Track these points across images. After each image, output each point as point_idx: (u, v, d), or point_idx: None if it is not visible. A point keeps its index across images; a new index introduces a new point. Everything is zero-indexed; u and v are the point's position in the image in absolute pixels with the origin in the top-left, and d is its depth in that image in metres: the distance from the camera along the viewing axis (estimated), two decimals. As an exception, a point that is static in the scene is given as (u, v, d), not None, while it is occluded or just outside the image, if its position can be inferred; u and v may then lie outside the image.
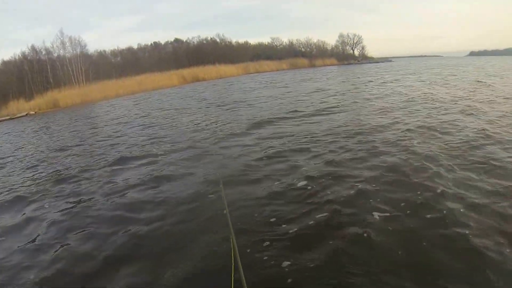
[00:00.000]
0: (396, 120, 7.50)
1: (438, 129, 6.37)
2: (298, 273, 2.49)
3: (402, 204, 3.40)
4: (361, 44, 68.67)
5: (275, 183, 4.28)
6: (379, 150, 5.26)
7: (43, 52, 35.78)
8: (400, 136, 6.00)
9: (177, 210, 3.86)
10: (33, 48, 35.55)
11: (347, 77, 24.85)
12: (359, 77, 23.30)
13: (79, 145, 8.72)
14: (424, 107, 9.00)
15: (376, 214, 3.23)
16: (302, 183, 4.16)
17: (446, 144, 5.29)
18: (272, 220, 3.34)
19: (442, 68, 28.87)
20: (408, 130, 6.41)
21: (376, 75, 24.70)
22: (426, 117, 7.55)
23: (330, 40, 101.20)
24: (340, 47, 67.67)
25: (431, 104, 9.42)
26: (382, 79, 19.89)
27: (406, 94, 12.03)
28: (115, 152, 7.20)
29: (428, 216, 3.14)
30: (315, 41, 64.54)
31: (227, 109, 11.87)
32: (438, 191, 3.59)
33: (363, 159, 4.88)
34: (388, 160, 4.72)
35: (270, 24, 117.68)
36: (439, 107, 8.83)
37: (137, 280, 2.68)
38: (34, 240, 3.62)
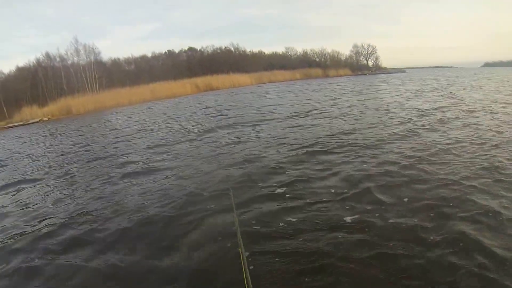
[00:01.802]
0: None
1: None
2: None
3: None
4: (375, 55, 68.67)
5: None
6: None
7: (57, 59, 36.70)
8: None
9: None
10: (47, 55, 36.56)
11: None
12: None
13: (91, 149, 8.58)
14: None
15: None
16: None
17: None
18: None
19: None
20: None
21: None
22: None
23: (344, 50, 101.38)
24: (354, 57, 67.91)
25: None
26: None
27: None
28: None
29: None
30: (329, 51, 64.79)
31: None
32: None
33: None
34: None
35: (284, 33, 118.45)
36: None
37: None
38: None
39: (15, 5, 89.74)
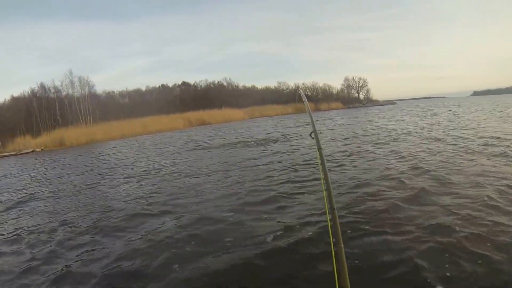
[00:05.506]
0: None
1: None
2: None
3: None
4: (366, 87, 72.48)
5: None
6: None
7: (52, 91, 38.82)
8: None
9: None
10: (42, 85, 38.71)
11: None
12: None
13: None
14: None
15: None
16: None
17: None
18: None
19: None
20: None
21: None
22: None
23: (336, 83, 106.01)
24: (345, 91, 71.40)
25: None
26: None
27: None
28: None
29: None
30: (321, 85, 68.25)
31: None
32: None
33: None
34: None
35: (277, 68, 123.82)
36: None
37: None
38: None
39: (11, 35, 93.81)
